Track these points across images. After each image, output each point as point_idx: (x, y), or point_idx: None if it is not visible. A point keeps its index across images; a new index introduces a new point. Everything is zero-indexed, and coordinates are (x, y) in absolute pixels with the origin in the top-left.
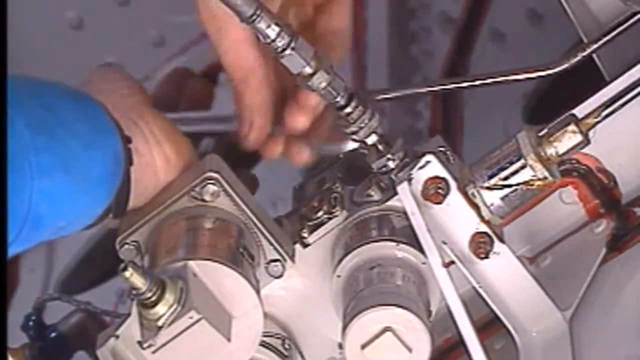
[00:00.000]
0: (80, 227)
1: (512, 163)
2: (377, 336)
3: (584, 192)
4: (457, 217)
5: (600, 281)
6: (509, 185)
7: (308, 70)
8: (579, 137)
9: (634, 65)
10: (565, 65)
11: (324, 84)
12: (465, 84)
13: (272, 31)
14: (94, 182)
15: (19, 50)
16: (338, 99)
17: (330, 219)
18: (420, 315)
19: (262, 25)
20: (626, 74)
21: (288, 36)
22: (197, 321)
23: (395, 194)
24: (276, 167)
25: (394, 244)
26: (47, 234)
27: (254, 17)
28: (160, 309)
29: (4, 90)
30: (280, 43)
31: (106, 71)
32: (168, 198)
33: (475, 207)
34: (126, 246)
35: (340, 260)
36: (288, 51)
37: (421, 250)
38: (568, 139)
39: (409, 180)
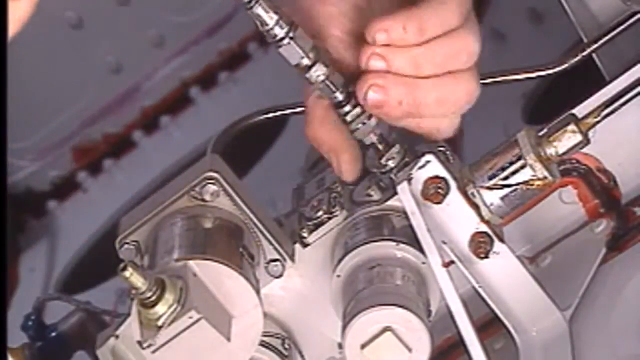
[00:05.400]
0: None
1: (512, 163)
2: (377, 336)
3: (584, 192)
4: (457, 217)
5: (600, 281)
6: (509, 185)
7: (306, 62)
8: (579, 137)
9: (634, 65)
10: (565, 65)
11: (322, 77)
12: None
13: (271, 19)
14: None
15: (19, 50)
16: (337, 94)
17: (330, 219)
18: (420, 315)
19: (260, 11)
20: (626, 74)
21: (286, 25)
22: (197, 321)
23: (395, 194)
24: (276, 167)
25: (394, 244)
26: None
27: (252, 4)
28: (160, 309)
29: (4, 91)
30: (278, 31)
31: None
32: (168, 198)
33: (475, 207)
34: (126, 246)
35: (340, 260)
36: (286, 40)
37: (421, 250)
38: (568, 139)
39: (409, 180)
